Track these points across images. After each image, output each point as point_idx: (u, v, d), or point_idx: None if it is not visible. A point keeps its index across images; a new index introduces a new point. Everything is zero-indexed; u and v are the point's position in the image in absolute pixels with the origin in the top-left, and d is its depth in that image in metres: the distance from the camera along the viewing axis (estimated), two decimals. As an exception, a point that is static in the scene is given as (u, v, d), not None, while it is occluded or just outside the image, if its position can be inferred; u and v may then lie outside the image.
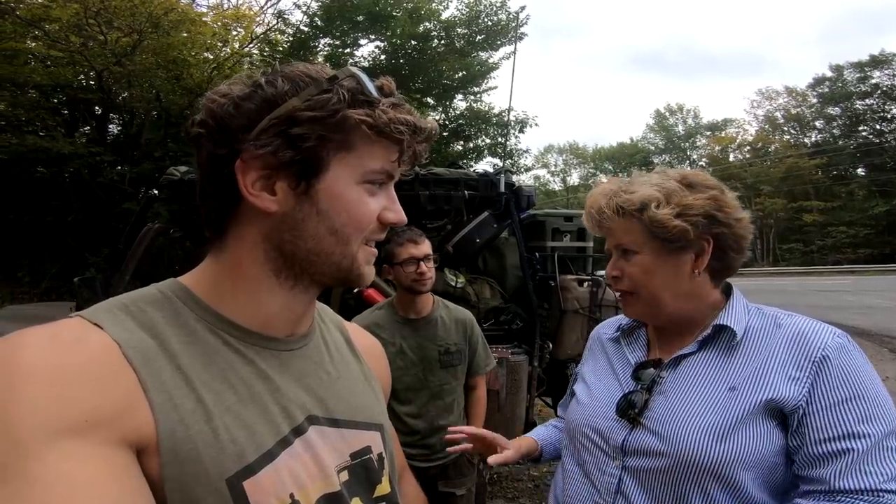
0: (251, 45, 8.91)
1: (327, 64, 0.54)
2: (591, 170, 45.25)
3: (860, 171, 32.73)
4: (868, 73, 30.47)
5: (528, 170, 19.15)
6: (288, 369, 0.54)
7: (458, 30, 10.48)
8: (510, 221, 2.86)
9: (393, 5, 9.56)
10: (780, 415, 0.73)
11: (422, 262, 1.74)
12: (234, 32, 8.58)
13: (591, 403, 0.90)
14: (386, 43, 10.23)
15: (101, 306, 0.47)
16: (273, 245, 0.52)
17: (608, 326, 1.01)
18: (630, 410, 0.81)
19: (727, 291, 0.87)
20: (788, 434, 0.73)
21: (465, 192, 2.80)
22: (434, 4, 10.21)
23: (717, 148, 38.68)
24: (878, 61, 29.82)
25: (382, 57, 10.30)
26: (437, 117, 10.77)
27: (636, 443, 0.79)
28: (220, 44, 8.34)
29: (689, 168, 0.94)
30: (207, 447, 0.44)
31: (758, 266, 25.00)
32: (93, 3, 6.43)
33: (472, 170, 3.54)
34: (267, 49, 9.41)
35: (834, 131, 33.20)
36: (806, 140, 34.83)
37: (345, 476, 0.54)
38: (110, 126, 9.33)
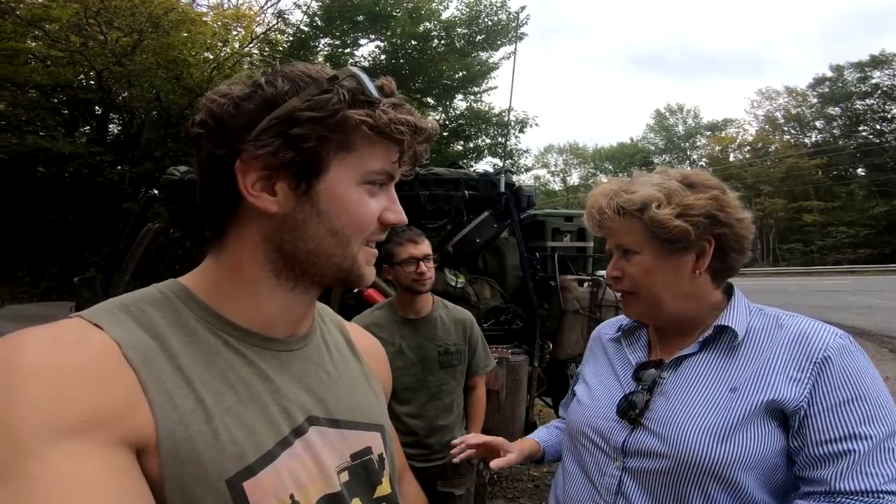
0: (251, 45, 8.91)
1: (327, 64, 0.54)
2: (591, 170, 45.28)
3: (860, 171, 32.76)
4: (868, 73, 30.48)
5: (528, 170, 19.16)
6: (288, 370, 0.53)
7: (459, 30, 10.48)
8: (510, 221, 2.86)
9: (393, 5, 9.56)
10: (782, 416, 0.73)
11: (421, 262, 1.74)
12: (235, 32, 8.58)
13: (591, 404, 0.90)
14: (386, 43, 10.22)
15: (102, 306, 0.47)
16: (273, 246, 0.51)
17: (609, 327, 1.01)
18: (631, 411, 0.81)
19: (728, 292, 0.86)
20: (789, 435, 0.73)
21: (466, 192, 2.80)
22: (434, 4, 10.20)
23: (717, 148, 38.68)
24: (878, 61, 29.82)
25: (382, 57, 10.30)
26: (438, 117, 10.76)
27: (637, 444, 0.79)
28: (220, 44, 8.34)
29: (689, 168, 0.94)
30: (207, 447, 0.44)
31: (758, 266, 25.00)
32: (93, 3, 6.43)
33: (472, 170, 3.54)
34: (267, 49, 9.41)
35: (834, 131, 33.21)
36: (806, 140, 34.85)
37: (345, 477, 0.54)
38: (110, 126, 9.33)
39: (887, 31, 59.39)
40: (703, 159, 38.53)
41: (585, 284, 2.88)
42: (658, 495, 0.76)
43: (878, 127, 31.54)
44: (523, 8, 10.55)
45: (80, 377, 0.40)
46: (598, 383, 0.92)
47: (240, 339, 0.51)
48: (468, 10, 10.46)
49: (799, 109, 34.80)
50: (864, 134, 31.80)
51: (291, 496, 0.48)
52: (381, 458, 0.59)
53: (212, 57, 8.29)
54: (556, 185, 46.71)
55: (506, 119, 10.60)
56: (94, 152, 7.38)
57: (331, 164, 0.50)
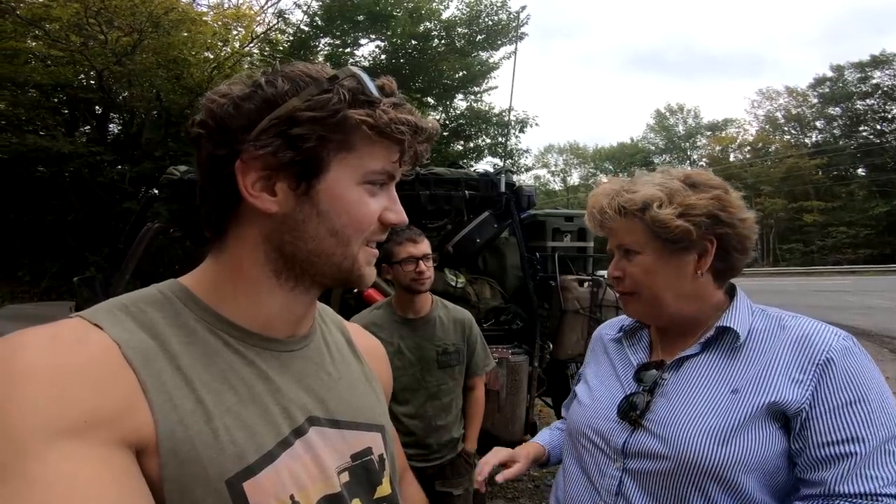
0: (251, 45, 8.90)
1: (328, 64, 0.53)
2: (591, 170, 45.29)
3: (860, 171, 32.75)
4: (869, 74, 30.47)
5: (528, 170, 19.14)
6: (288, 370, 0.53)
7: (459, 29, 10.46)
8: (510, 221, 2.86)
9: (393, 5, 9.55)
10: (783, 418, 0.73)
11: (421, 262, 1.74)
12: (235, 32, 8.58)
13: (592, 405, 0.89)
14: (386, 42, 10.22)
15: (102, 307, 0.47)
16: (273, 246, 0.51)
17: (610, 327, 1.00)
18: (631, 412, 0.80)
19: (731, 292, 0.86)
20: (791, 437, 0.72)
21: (466, 191, 2.80)
22: (434, 4, 10.19)
23: (717, 148, 38.68)
24: (878, 61, 29.81)
25: (383, 57, 10.29)
26: (438, 117, 10.76)
27: (637, 445, 0.79)
28: (220, 43, 8.34)
29: (690, 168, 0.94)
30: (207, 448, 0.44)
31: (758, 266, 25.00)
32: (93, 3, 6.43)
33: (472, 170, 3.53)
34: (267, 49, 9.40)
35: (834, 131, 33.20)
36: (806, 140, 34.85)
37: (345, 477, 0.54)
38: (110, 125, 9.32)
39: (888, 31, 59.43)
40: (704, 159, 38.53)
41: (586, 284, 2.88)
42: (658, 497, 0.76)
43: (878, 127, 31.53)
44: (524, 8, 10.57)
45: (79, 377, 0.40)
46: (599, 384, 0.92)
47: (240, 339, 0.51)
48: (468, 9, 10.45)
49: (799, 109, 34.80)
50: (864, 134, 31.79)
51: (291, 496, 0.48)
52: (382, 459, 0.59)
53: (212, 56, 8.28)
54: (557, 185, 46.75)
55: (506, 119, 10.60)
56: (94, 152, 7.37)
57: (331, 164, 0.50)
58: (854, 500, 0.67)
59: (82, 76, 7.80)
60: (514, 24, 10.19)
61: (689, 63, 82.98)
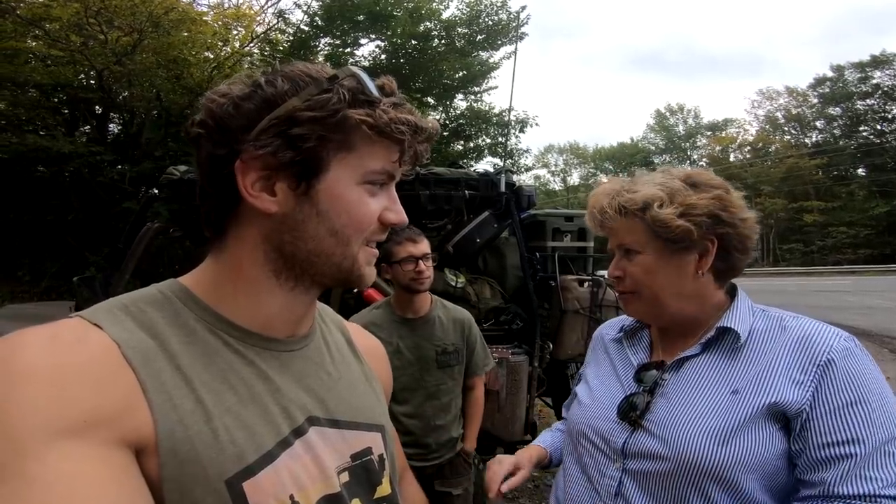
0: (251, 45, 8.90)
1: (328, 63, 0.53)
2: (591, 170, 45.29)
3: (861, 171, 32.75)
4: (869, 74, 30.46)
5: (528, 169, 19.13)
6: (288, 370, 0.53)
7: (459, 29, 10.46)
8: (510, 221, 2.85)
9: (393, 5, 9.55)
10: (783, 418, 0.72)
11: (420, 261, 1.73)
12: (235, 32, 8.58)
13: (592, 405, 0.89)
14: (386, 42, 10.21)
15: (101, 306, 0.47)
16: (273, 246, 0.51)
17: (611, 327, 1.00)
18: (631, 413, 0.80)
19: (732, 292, 0.85)
20: (791, 438, 0.72)
21: (466, 191, 2.80)
22: (434, 4, 10.19)
23: (717, 148, 38.67)
24: (878, 61, 29.80)
25: (383, 56, 10.28)
26: (438, 117, 10.75)
27: (637, 445, 0.79)
28: (220, 43, 8.33)
29: (690, 168, 0.94)
30: (207, 448, 0.44)
31: (758, 266, 25.00)
32: (93, 3, 6.42)
33: (472, 169, 3.54)
34: (267, 48, 9.40)
35: (834, 131, 33.20)
36: (806, 140, 34.84)
37: (345, 477, 0.54)
38: (110, 125, 9.32)
39: (888, 31, 59.43)
40: (704, 159, 38.53)
41: (586, 284, 2.88)
42: (658, 497, 0.76)
43: (878, 127, 31.53)
44: (524, 8, 10.56)
45: (79, 377, 0.40)
46: (600, 384, 0.91)
47: (240, 339, 0.51)
48: (468, 9, 10.45)
49: (799, 109, 34.79)
50: (864, 134, 31.79)
51: (291, 497, 0.48)
52: (382, 459, 0.59)
53: (212, 56, 8.28)
54: (557, 185, 46.74)
55: (506, 119, 10.60)
56: (94, 152, 7.37)
57: (331, 164, 0.50)
58: (853, 502, 0.67)
59: (82, 76, 7.80)
60: (514, 24, 10.18)
61: (689, 63, 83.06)
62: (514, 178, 3.51)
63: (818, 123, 34.23)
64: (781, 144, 34.86)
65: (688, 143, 40.92)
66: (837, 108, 32.43)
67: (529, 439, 2.70)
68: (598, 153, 45.02)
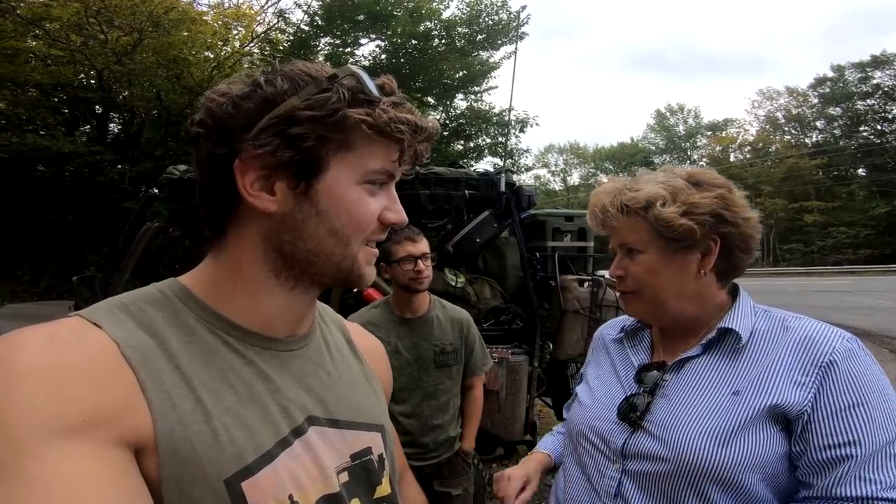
0: (252, 45, 8.90)
1: (328, 63, 0.53)
2: (591, 170, 45.27)
3: (861, 171, 32.73)
4: (869, 74, 30.44)
5: (528, 169, 19.12)
6: (288, 370, 0.53)
7: (459, 29, 10.45)
8: (511, 221, 2.85)
9: (394, 5, 9.54)
10: (785, 420, 0.72)
11: (419, 261, 1.73)
12: (235, 31, 8.58)
13: (592, 405, 0.89)
14: (386, 42, 10.21)
15: (101, 305, 0.47)
16: (273, 246, 0.51)
17: (612, 327, 0.99)
18: (631, 413, 0.80)
19: (734, 293, 0.85)
20: (792, 440, 0.71)
21: (466, 191, 2.80)
22: (435, 4, 10.19)
23: (717, 148, 38.66)
24: (879, 61, 29.78)
25: (383, 56, 10.28)
26: (438, 117, 10.75)
27: (637, 446, 0.78)
28: (220, 43, 8.33)
29: (691, 167, 0.93)
30: (206, 447, 0.44)
31: (758, 266, 24.99)
32: (93, 2, 6.42)
33: (472, 169, 3.54)
34: (267, 48, 9.40)
35: (835, 131, 33.19)
36: (807, 140, 34.82)
37: (344, 477, 0.54)
38: (111, 125, 9.32)
39: (888, 32, 59.42)
40: (704, 159, 38.51)
41: (586, 284, 2.88)
42: (657, 498, 0.75)
43: (878, 127, 31.52)
44: (524, 7, 10.56)
45: (78, 376, 0.40)
46: (600, 384, 0.91)
47: (239, 338, 0.51)
48: (469, 9, 10.44)
49: (800, 110, 34.78)
50: (864, 134, 31.78)
51: (290, 496, 0.48)
52: (381, 459, 0.59)
53: (212, 56, 8.28)
54: (557, 185, 46.73)
55: (506, 118, 10.59)
56: (94, 151, 7.37)
57: (330, 164, 0.50)
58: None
59: (82, 76, 7.80)
60: (514, 24, 10.18)
61: (689, 63, 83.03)
62: (514, 177, 3.51)
63: (818, 123, 34.23)
64: (782, 144, 34.85)
65: (688, 144, 40.92)
66: (838, 109, 32.42)
67: (529, 439, 2.71)
68: (599, 153, 45.01)
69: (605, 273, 3.22)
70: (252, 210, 0.50)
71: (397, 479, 0.63)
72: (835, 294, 12.86)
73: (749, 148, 37.48)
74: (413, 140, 0.51)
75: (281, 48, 9.48)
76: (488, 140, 11.79)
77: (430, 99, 11.23)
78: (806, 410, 0.70)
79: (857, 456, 0.67)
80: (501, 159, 10.28)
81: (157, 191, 2.72)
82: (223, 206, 0.51)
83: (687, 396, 0.78)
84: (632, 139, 44.82)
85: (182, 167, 2.73)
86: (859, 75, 30.82)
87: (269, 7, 9.22)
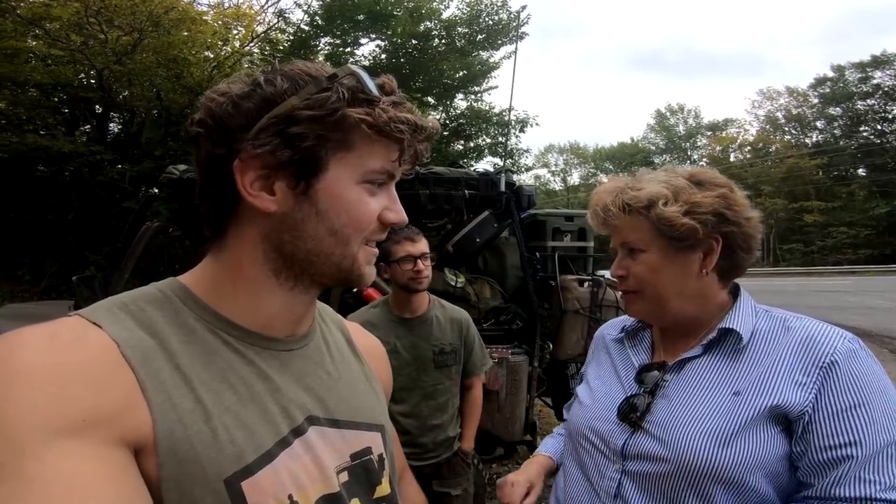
0: (252, 44, 8.91)
1: (328, 63, 0.53)
2: (591, 169, 45.27)
3: (861, 171, 32.73)
4: (869, 74, 30.43)
5: (528, 169, 19.15)
6: (288, 369, 0.53)
7: (459, 29, 10.46)
8: (511, 221, 2.85)
9: (394, 4, 9.55)
10: (785, 420, 0.71)
11: (419, 261, 1.72)
12: (235, 31, 8.58)
13: (592, 405, 0.89)
14: (387, 42, 10.21)
15: (101, 305, 0.47)
16: (272, 245, 0.51)
17: (612, 327, 0.99)
18: (632, 414, 0.79)
19: (735, 293, 0.85)
20: (793, 440, 0.71)
21: (466, 191, 2.80)
22: (435, 4, 10.19)
23: (717, 148, 38.66)
24: (879, 61, 29.77)
25: (383, 56, 10.28)
26: (438, 116, 10.75)
27: (637, 447, 0.78)
28: (220, 43, 8.34)
29: (692, 167, 0.93)
30: (206, 447, 0.44)
31: (758, 266, 24.97)
32: (93, 2, 6.43)
33: (472, 169, 3.54)
34: (267, 48, 9.40)
35: (835, 131, 33.18)
36: (807, 140, 34.81)
37: (344, 477, 0.54)
38: (111, 125, 9.32)
39: (888, 32, 59.43)
40: (704, 159, 38.52)
41: (586, 284, 2.88)
42: (657, 499, 0.75)
43: (879, 127, 31.52)
44: (524, 7, 10.57)
45: (78, 376, 0.40)
46: (600, 384, 0.91)
47: (239, 338, 0.51)
48: (469, 9, 10.44)
49: (800, 110, 34.77)
50: (864, 134, 31.78)
51: (290, 496, 0.48)
52: (381, 459, 0.59)
53: (212, 56, 8.29)
54: (557, 185, 46.73)
55: (506, 118, 10.60)
56: (94, 151, 7.37)
57: (330, 163, 0.50)
58: None
59: (82, 75, 7.80)
60: (514, 24, 10.18)
61: (689, 63, 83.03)
62: (514, 177, 3.51)
63: (818, 123, 34.22)
64: (782, 144, 34.84)
65: (688, 143, 40.91)
66: (838, 109, 32.41)
67: (529, 439, 2.71)
68: (599, 153, 45.00)
69: (606, 273, 3.23)
70: (252, 210, 0.50)
71: (397, 479, 0.63)
72: (835, 294, 12.86)
73: (749, 148, 37.47)
74: (413, 140, 0.51)
75: (281, 48, 9.48)
76: (488, 140, 11.80)
77: (430, 99, 11.23)
78: (807, 411, 0.70)
79: (857, 456, 0.67)
80: (501, 159, 10.29)
81: (156, 190, 2.72)
82: (223, 205, 0.51)
83: (687, 397, 0.78)
84: (632, 139, 44.87)
85: (182, 167, 2.73)
86: (859, 75, 30.82)
87: (269, 7, 9.23)
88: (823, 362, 0.71)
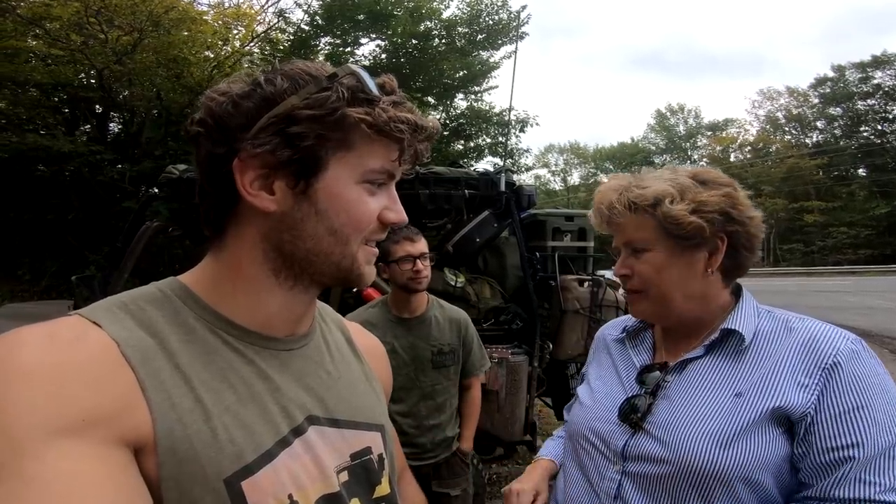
0: (252, 44, 8.91)
1: (328, 62, 0.53)
2: (591, 169, 45.26)
3: (861, 171, 32.73)
4: (870, 74, 30.43)
5: (528, 169, 19.17)
6: (288, 369, 0.53)
7: (459, 29, 10.46)
8: (510, 221, 2.85)
9: (394, 4, 9.55)
10: (787, 422, 0.71)
11: (418, 261, 1.72)
12: (235, 31, 8.59)
13: (593, 406, 0.88)
14: (387, 42, 10.21)
15: (101, 304, 0.47)
16: (272, 245, 0.51)
17: (613, 327, 0.98)
18: (632, 415, 0.79)
19: (737, 293, 0.84)
20: (795, 442, 0.71)
21: (466, 191, 2.80)
22: (435, 3, 10.19)
23: (718, 148, 38.64)
24: (879, 61, 29.77)
25: (383, 56, 10.29)
26: (438, 116, 10.75)
27: (637, 448, 0.78)
28: (220, 42, 8.34)
29: (694, 167, 0.92)
30: (205, 447, 0.44)
31: (758, 266, 24.92)
32: (93, 2, 6.43)
33: (472, 169, 3.54)
34: (268, 48, 9.41)
35: (835, 131, 33.18)
36: (807, 140, 34.81)
37: (344, 476, 0.54)
38: (111, 124, 9.33)
39: (889, 32, 59.44)
40: (704, 159, 38.53)
41: (586, 284, 2.88)
42: (658, 500, 0.75)
43: (879, 127, 31.52)
44: (524, 7, 10.57)
45: (78, 376, 0.40)
46: (601, 385, 0.90)
47: (239, 337, 0.51)
48: (469, 9, 10.45)
49: (800, 110, 34.77)
50: (865, 134, 31.78)
51: (290, 496, 0.48)
52: (381, 459, 0.59)
53: (212, 56, 8.29)
54: (557, 185, 46.73)
55: (506, 118, 10.60)
56: (94, 151, 7.38)
57: (329, 163, 0.49)
58: None
59: (82, 75, 7.81)
60: (514, 24, 10.18)
61: (689, 63, 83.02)
62: (515, 177, 3.51)
63: (819, 123, 34.21)
64: (782, 144, 34.83)
65: (688, 143, 40.91)
66: (838, 109, 32.41)
67: (529, 439, 2.70)
68: (599, 153, 44.99)
69: (606, 273, 3.23)
70: (251, 209, 0.50)
71: (396, 479, 0.63)
72: (835, 294, 12.86)
73: (749, 148, 37.47)
74: (413, 139, 0.51)
75: (281, 48, 9.48)
76: (488, 140, 11.81)
77: (430, 99, 11.24)
78: (809, 412, 0.69)
79: (858, 458, 0.67)
80: (501, 159, 10.28)
81: (156, 190, 2.72)
82: (223, 205, 0.51)
83: (689, 398, 0.77)
84: (632, 139, 44.86)
85: (182, 166, 2.73)
86: (860, 75, 30.82)
87: (269, 7, 9.23)
88: (826, 363, 0.71)
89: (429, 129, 0.52)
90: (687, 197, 0.77)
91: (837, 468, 0.67)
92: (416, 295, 1.79)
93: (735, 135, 39.07)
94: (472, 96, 11.98)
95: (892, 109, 30.74)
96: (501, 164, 3.94)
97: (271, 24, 9.34)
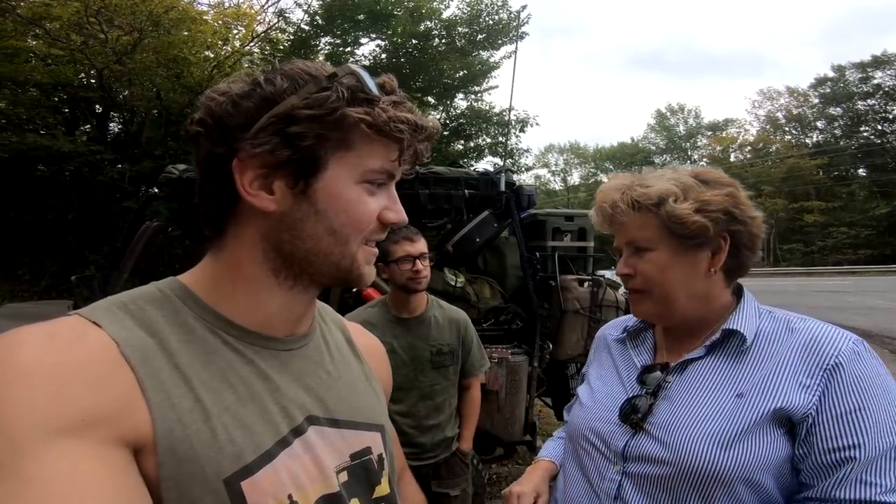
0: (252, 44, 8.91)
1: (328, 62, 0.53)
2: (591, 169, 45.27)
3: (861, 171, 32.74)
4: (870, 74, 30.44)
5: (528, 169, 19.17)
6: (287, 369, 0.53)
7: (459, 29, 10.47)
8: (510, 221, 2.85)
9: (394, 4, 9.55)
10: (789, 423, 0.71)
11: (417, 261, 1.72)
12: (235, 31, 8.59)
13: (593, 406, 0.88)
14: (387, 42, 10.21)
15: (100, 304, 0.47)
16: (272, 245, 0.51)
17: (614, 327, 0.98)
18: (633, 415, 0.79)
19: (738, 293, 0.84)
20: (796, 443, 0.71)
21: (466, 191, 2.80)
22: (435, 3, 10.19)
23: (718, 148, 38.65)
24: (879, 62, 29.77)
25: (383, 56, 10.29)
26: (438, 116, 10.75)
27: (638, 449, 0.77)
28: (220, 42, 8.34)
29: (695, 166, 0.92)
30: (205, 447, 0.44)
31: (759, 266, 24.92)
32: (93, 2, 6.43)
33: (472, 169, 3.54)
34: (268, 48, 9.41)
35: (835, 132, 33.19)
36: (807, 140, 34.82)
37: (344, 477, 0.54)
38: (111, 124, 9.33)
39: (889, 32, 59.46)
40: (704, 159, 38.53)
41: (586, 284, 2.88)
42: (658, 501, 0.74)
43: (879, 127, 31.52)
44: (524, 7, 10.57)
45: (77, 375, 0.40)
46: (602, 385, 0.90)
47: (239, 337, 0.51)
48: (469, 9, 10.45)
49: (800, 110, 34.77)
50: (865, 134, 31.79)
51: (290, 496, 0.47)
52: (381, 459, 0.59)
53: (212, 55, 8.29)
54: (557, 185, 46.73)
55: (506, 118, 10.60)
56: (94, 151, 7.38)
57: (329, 163, 0.49)
58: None
59: (82, 75, 7.81)
60: (514, 24, 10.18)
61: (690, 63, 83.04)
62: (514, 177, 3.51)
63: (819, 123, 34.22)
64: (782, 144, 34.84)
65: (688, 143, 40.91)
66: (838, 109, 32.41)
67: (528, 440, 2.70)
68: (599, 153, 44.99)
69: (606, 273, 3.23)
70: (251, 209, 0.50)
71: (396, 479, 0.63)
72: (835, 294, 12.86)
73: (749, 148, 37.47)
74: (413, 139, 0.51)
75: (281, 48, 9.49)
76: (488, 140, 11.81)
77: (430, 98, 11.24)
78: (811, 413, 0.69)
79: (858, 459, 0.66)
80: (501, 159, 10.28)
81: (156, 190, 2.72)
82: (222, 205, 0.51)
83: (690, 398, 0.77)
84: (632, 139, 44.87)
85: (181, 166, 2.73)
86: (860, 75, 30.82)
87: (269, 6, 9.23)
88: (827, 364, 0.70)
89: (429, 129, 0.52)
90: (690, 196, 0.77)
91: (838, 469, 0.67)
92: (416, 295, 1.78)
93: (735, 135, 39.11)
94: (472, 96, 12.00)
95: (893, 109, 30.76)
96: (501, 164, 3.94)
97: (271, 23, 9.34)
